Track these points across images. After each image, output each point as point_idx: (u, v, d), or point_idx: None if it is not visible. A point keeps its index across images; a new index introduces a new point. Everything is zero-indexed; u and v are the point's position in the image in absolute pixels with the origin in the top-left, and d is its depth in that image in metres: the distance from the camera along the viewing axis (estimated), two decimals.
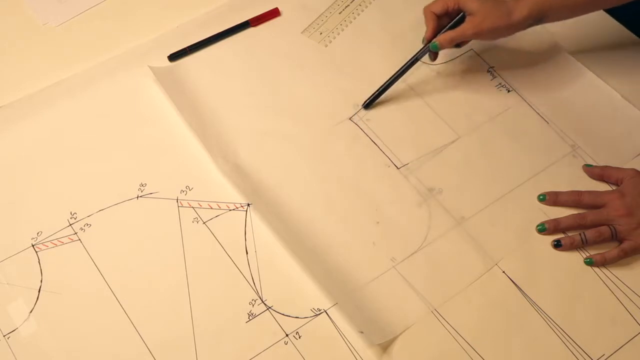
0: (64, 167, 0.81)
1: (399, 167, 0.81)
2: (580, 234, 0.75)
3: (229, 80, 0.88)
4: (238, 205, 0.78)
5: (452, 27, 0.83)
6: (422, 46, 0.85)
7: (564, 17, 0.82)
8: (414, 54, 0.85)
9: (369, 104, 0.86)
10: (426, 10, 0.84)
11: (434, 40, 0.83)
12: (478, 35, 0.82)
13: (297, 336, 0.70)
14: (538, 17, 0.80)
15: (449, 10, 0.83)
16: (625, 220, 0.74)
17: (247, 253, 0.75)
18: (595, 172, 0.80)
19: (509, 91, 0.87)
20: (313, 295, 0.72)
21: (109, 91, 0.87)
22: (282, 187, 0.80)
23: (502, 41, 0.90)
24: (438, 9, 0.83)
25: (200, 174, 0.80)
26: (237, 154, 0.82)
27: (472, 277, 0.74)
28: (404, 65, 0.85)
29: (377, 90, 0.85)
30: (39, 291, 0.73)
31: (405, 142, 0.83)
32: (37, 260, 0.75)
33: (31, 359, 0.69)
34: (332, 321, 0.71)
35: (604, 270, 0.74)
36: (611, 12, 0.91)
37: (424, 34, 0.84)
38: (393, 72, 0.86)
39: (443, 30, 0.83)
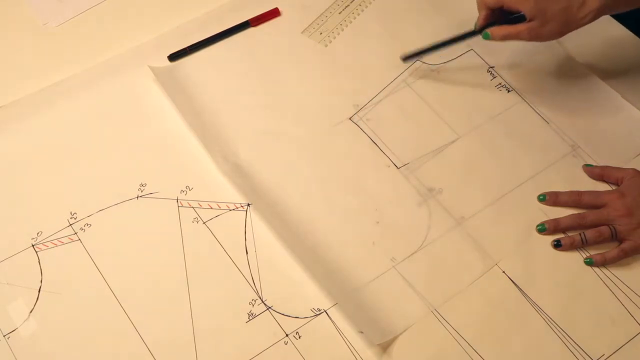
0: (64, 167, 0.81)
1: (399, 167, 0.81)
2: (580, 234, 0.75)
3: (229, 80, 0.88)
4: (238, 205, 0.78)
5: (511, 22, 0.78)
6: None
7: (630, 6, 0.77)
8: (462, 32, 0.83)
9: (407, 59, 0.87)
10: (479, 0, 0.80)
11: (487, 30, 0.80)
12: (535, 39, 0.77)
13: (297, 336, 0.70)
14: (605, 13, 0.75)
15: (504, 6, 0.78)
16: (625, 220, 0.74)
17: (247, 253, 0.75)
18: (595, 172, 0.80)
19: (509, 91, 0.87)
20: (313, 295, 0.72)
21: (109, 91, 0.87)
22: (282, 187, 0.80)
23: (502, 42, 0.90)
24: (492, 2, 0.79)
25: (200, 174, 0.80)
26: (237, 154, 0.82)
27: (472, 277, 0.74)
28: (447, 39, 0.83)
29: (416, 51, 0.85)
30: (39, 291, 0.73)
31: (405, 142, 0.83)
32: (37, 260, 0.75)
33: (31, 359, 0.69)
34: (332, 321, 0.71)
35: (604, 270, 0.74)
36: None
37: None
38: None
39: (501, 23, 0.79)
